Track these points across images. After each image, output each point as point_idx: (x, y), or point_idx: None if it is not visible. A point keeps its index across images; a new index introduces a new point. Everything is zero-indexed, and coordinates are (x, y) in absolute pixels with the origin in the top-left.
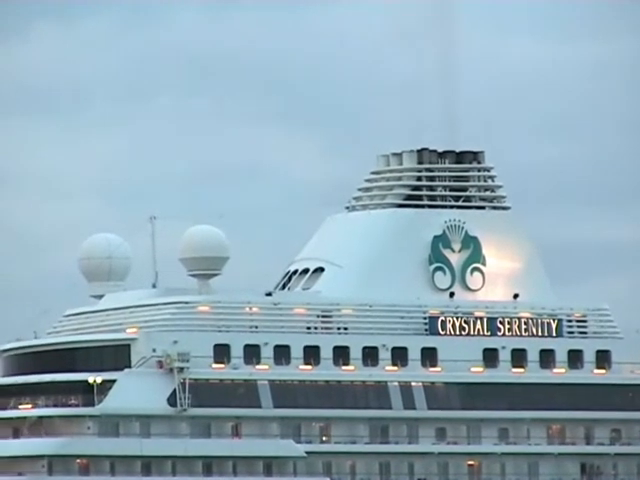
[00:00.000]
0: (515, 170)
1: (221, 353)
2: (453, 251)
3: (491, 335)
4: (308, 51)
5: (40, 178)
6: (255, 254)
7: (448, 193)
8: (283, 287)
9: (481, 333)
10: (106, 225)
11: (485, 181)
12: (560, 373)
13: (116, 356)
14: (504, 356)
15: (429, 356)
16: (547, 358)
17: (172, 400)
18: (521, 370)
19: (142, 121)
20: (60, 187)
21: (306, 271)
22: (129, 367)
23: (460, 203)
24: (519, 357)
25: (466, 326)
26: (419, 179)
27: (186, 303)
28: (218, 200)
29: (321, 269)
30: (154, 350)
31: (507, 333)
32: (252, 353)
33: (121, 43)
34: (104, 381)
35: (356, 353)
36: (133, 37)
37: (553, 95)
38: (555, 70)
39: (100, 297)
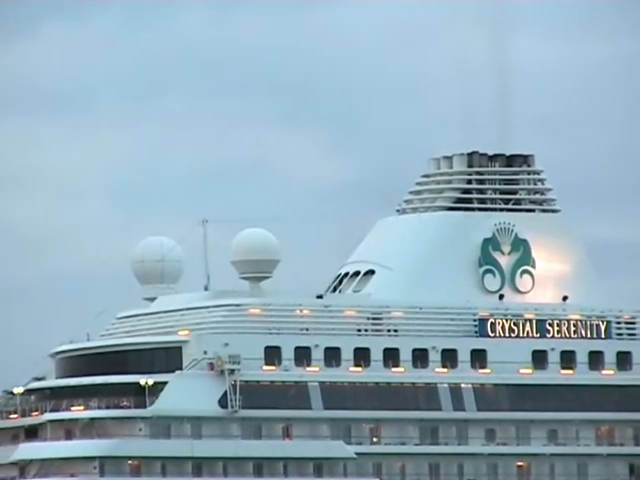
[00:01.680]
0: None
1: (272, 355)
2: (503, 254)
3: (540, 337)
4: (314, 51)
5: (46, 178)
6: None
7: (498, 196)
8: (334, 290)
9: (530, 335)
10: (108, 225)
11: (535, 184)
12: (609, 375)
13: (168, 358)
14: (553, 358)
15: (478, 358)
16: (596, 360)
17: (223, 402)
18: (570, 372)
19: (148, 121)
20: (66, 187)
21: (357, 274)
22: (180, 369)
23: (510, 206)
24: (568, 359)
25: (515, 328)
26: (469, 182)
27: (237, 306)
28: (223, 201)
29: (372, 272)
30: (205, 352)
31: (556, 335)
32: (303, 355)
33: (127, 44)
34: (156, 383)
35: (406, 355)
36: (139, 38)
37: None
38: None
39: (153, 300)
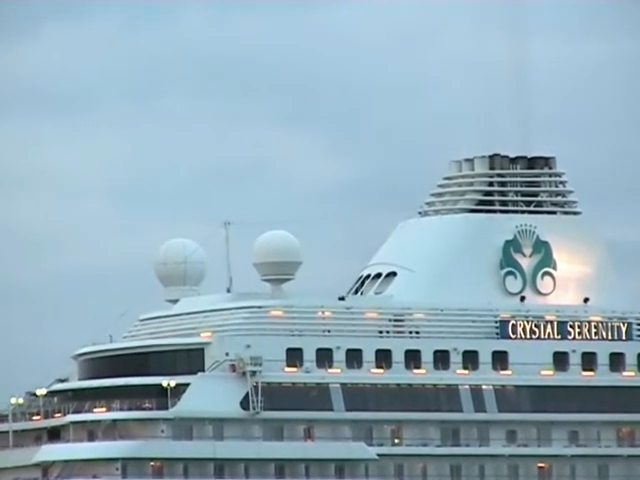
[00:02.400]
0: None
1: (294, 357)
2: (524, 256)
3: (561, 339)
4: (314, 51)
5: (46, 178)
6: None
7: (519, 198)
8: (356, 292)
9: (551, 337)
10: (108, 225)
11: (556, 186)
12: (630, 376)
13: (190, 360)
14: (574, 359)
15: (500, 359)
16: (617, 361)
17: (245, 403)
18: (591, 373)
19: (148, 121)
20: (66, 187)
21: (379, 275)
22: (203, 371)
23: (531, 208)
24: (589, 360)
25: (537, 330)
26: (491, 184)
27: (259, 307)
28: (225, 201)
29: (393, 273)
30: (227, 354)
31: (577, 337)
32: (324, 357)
33: (127, 44)
34: (178, 385)
35: (427, 357)
36: (139, 38)
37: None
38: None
39: (175, 301)
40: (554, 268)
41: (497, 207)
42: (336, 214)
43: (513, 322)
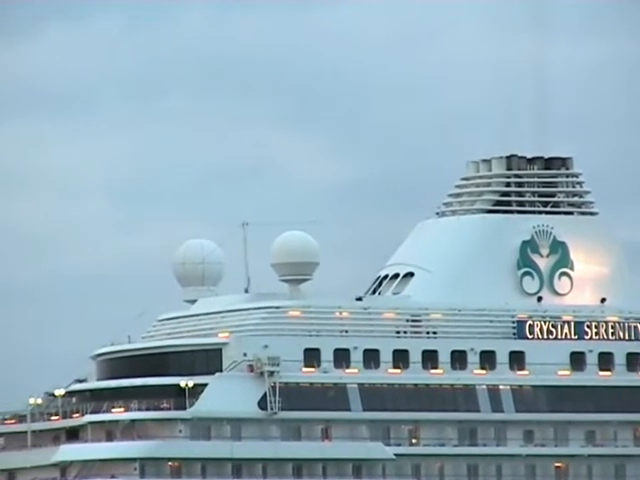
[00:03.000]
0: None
1: (311, 357)
2: (541, 256)
3: (578, 339)
4: (317, 51)
5: (48, 178)
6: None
7: (537, 199)
8: (374, 292)
9: (568, 337)
10: (110, 225)
11: (573, 187)
12: None
13: (208, 360)
14: (591, 359)
15: (517, 360)
16: (634, 361)
17: (263, 403)
18: (608, 373)
19: (149, 122)
20: (67, 187)
21: (396, 276)
22: (220, 371)
23: (548, 209)
24: (606, 360)
25: (554, 330)
26: (508, 185)
27: (277, 308)
28: (226, 201)
29: (411, 274)
30: (245, 354)
31: (594, 337)
32: (342, 357)
33: (129, 44)
34: (196, 385)
35: (445, 357)
36: (141, 38)
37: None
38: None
39: (193, 302)
40: (571, 268)
41: (514, 208)
42: (347, 215)
43: (530, 322)
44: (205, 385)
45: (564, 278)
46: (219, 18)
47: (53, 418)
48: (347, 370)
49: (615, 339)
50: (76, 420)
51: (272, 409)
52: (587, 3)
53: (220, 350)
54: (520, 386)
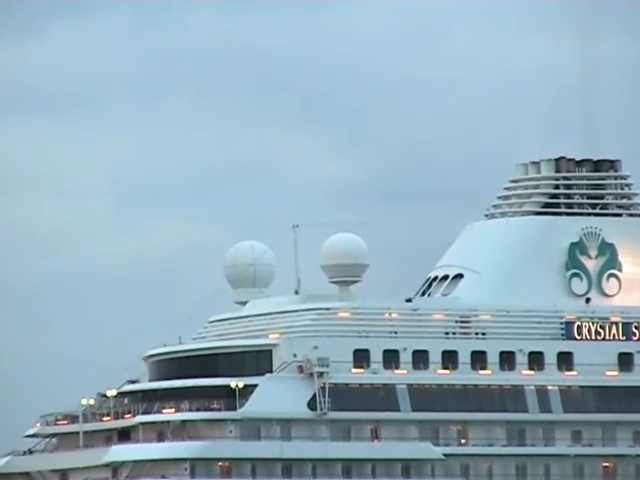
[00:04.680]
0: None
1: (361, 358)
2: (590, 257)
3: (626, 340)
4: (325, 51)
5: (53, 177)
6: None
7: (585, 201)
8: (423, 293)
9: (616, 338)
10: (115, 225)
11: (622, 189)
12: None
13: (258, 361)
14: (639, 360)
15: (565, 360)
16: None
17: (312, 404)
18: None
19: (153, 121)
20: (72, 186)
21: (446, 277)
22: (270, 372)
23: (597, 210)
24: None
25: (602, 331)
26: (557, 187)
27: (327, 309)
28: (229, 201)
29: (460, 275)
30: (295, 355)
31: None
32: (391, 358)
33: (134, 43)
34: (246, 386)
35: (493, 358)
36: (146, 37)
37: None
38: None
39: (244, 303)
40: (619, 270)
41: (563, 209)
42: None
43: (578, 323)
44: (255, 386)
45: (612, 279)
46: (224, 18)
47: (105, 419)
48: (396, 371)
49: None
50: (128, 421)
51: (321, 410)
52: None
53: (270, 351)
54: (568, 387)
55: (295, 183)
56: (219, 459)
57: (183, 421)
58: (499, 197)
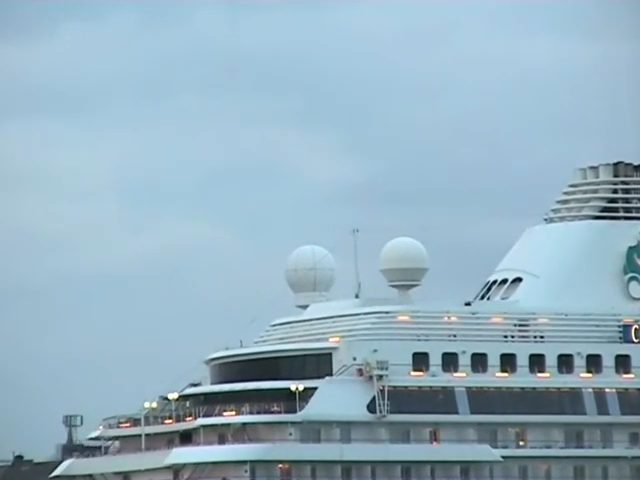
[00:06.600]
0: None
1: (420, 361)
2: None
3: None
4: (330, 50)
5: (55, 178)
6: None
7: None
8: (482, 297)
9: None
10: (121, 225)
11: None
12: None
13: (318, 364)
14: None
15: (623, 363)
16: None
17: (372, 407)
18: None
19: (159, 121)
20: (74, 186)
21: (505, 281)
22: (330, 375)
23: None
24: None
25: None
26: (615, 192)
27: (386, 313)
28: (232, 202)
29: (519, 279)
30: (354, 358)
31: None
32: (450, 361)
33: (140, 43)
34: (306, 389)
35: (551, 361)
36: (153, 37)
37: None
38: None
39: (305, 307)
40: None
41: (621, 214)
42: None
43: (636, 326)
44: (315, 389)
45: None
46: (230, 18)
47: (167, 421)
48: (455, 374)
49: None
50: (189, 423)
51: (381, 412)
52: None
53: (330, 354)
54: (626, 389)
55: (299, 183)
56: (279, 461)
57: (244, 424)
58: (558, 201)
